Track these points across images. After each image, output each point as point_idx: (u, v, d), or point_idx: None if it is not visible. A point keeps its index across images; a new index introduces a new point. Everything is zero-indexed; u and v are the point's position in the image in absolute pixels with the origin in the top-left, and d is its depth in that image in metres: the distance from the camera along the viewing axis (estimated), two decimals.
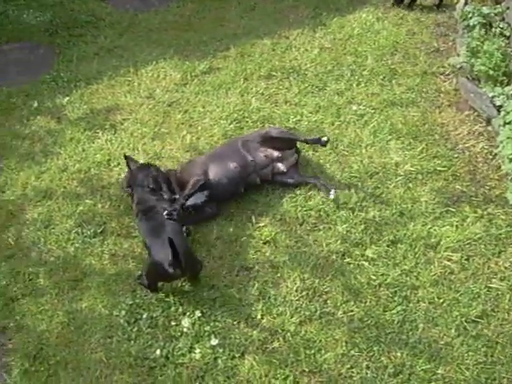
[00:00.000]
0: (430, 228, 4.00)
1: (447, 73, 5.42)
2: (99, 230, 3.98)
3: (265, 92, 5.10)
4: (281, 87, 5.20)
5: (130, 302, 3.57)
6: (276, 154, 4.21)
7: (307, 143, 4.30)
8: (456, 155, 4.54)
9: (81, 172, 4.40)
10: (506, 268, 3.75)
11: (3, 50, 5.83)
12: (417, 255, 3.85)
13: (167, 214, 3.56)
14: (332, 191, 4.09)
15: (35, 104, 5.07)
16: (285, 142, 4.24)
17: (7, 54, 5.77)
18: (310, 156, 4.50)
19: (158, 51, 5.65)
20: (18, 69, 5.58)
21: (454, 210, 4.12)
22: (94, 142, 4.65)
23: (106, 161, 4.47)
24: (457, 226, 4.01)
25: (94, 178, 4.34)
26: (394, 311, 3.55)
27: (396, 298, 3.62)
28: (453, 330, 3.46)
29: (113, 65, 5.52)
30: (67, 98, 5.13)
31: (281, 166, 4.21)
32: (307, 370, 3.30)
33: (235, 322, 3.48)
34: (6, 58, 5.73)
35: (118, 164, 4.44)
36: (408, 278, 3.72)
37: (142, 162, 4.15)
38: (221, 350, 3.36)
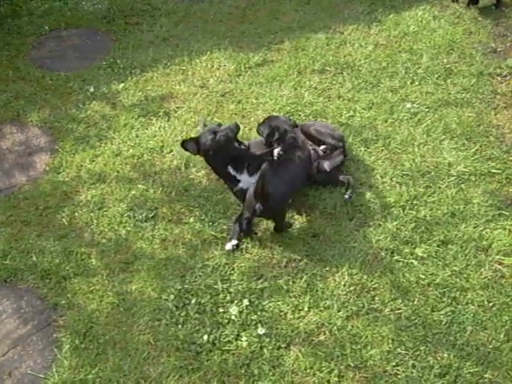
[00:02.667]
0: (482, 230, 3.94)
1: (504, 74, 5.32)
2: (150, 215, 4.03)
3: (318, 86, 5.09)
4: (334, 82, 5.18)
5: (179, 287, 3.61)
6: (321, 151, 4.21)
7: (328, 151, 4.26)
8: (511, 158, 4.46)
9: (134, 157, 4.46)
10: None
11: (62, 35, 5.94)
12: (467, 257, 3.80)
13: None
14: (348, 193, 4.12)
15: (91, 89, 5.16)
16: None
17: (66, 40, 5.88)
18: (362, 152, 4.47)
19: (213, 42, 5.69)
20: (75, 54, 5.68)
21: (507, 213, 4.04)
22: (147, 129, 4.72)
23: (159, 147, 4.53)
24: (509, 229, 3.94)
25: (147, 164, 4.40)
26: (442, 312, 3.51)
27: (445, 299, 3.58)
28: (502, 335, 3.40)
29: (168, 53, 5.58)
30: (122, 85, 5.20)
31: (325, 165, 4.19)
32: (352, 364, 3.29)
33: (282, 313, 3.49)
34: (64, 43, 5.83)
35: (171, 151, 4.49)
36: (458, 280, 3.67)
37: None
38: (267, 340, 3.37)
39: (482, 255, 3.82)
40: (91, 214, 4.07)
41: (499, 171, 4.35)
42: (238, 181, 3.92)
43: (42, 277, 3.73)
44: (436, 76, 5.31)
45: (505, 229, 3.95)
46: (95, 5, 6.36)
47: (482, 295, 3.59)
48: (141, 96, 5.05)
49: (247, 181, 3.88)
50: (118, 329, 3.46)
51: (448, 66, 5.46)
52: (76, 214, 4.09)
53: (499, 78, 5.31)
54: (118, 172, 4.35)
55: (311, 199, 4.12)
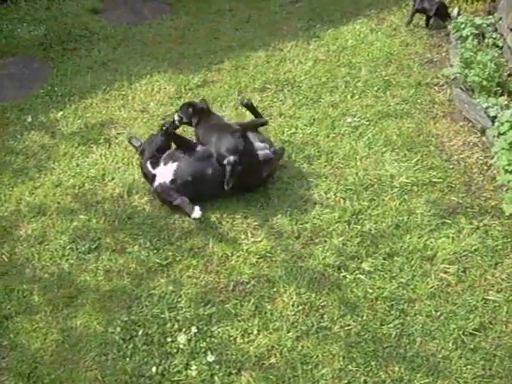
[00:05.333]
0: (426, 240, 3.99)
1: (441, 83, 5.45)
2: (93, 246, 3.95)
3: (259, 105, 5.09)
4: (275, 100, 5.20)
5: (125, 319, 3.53)
6: None
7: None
8: (451, 166, 4.54)
9: (75, 187, 4.37)
10: (502, 280, 3.73)
11: None
12: (413, 268, 3.83)
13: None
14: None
15: (29, 119, 5.06)
16: None
17: (1, 69, 5.76)
18: (305, 169, 4.49)
19: (152, 64, 5.65)
20: (12, 83, 5.57)
21: (449, 221, 4.11)
22: (88, 157, 4.64)
23: (100, 175, 4.45)
24: (453, 237, 3.99)
25: (89, 193, 4.32)
26: (391, 325, 3.52)
27: (393, 312, 3.59)
28: (450, 344, 3.43)
29: (107, 78, 5.52)
30: (61, 113, 5.12)
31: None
32: None
33: (231, 338, 3.45)
34: (0, 72, 5.70)
35: (113, 179, 4.42)
36: (405, 291, 3.69)
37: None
38: (217, 367, 3.31)
39: (427, 265, 3.86)
40: (32, 249, 3.96)
41: (440, 180, 4.42)
42: None
43: None
44: (375, 88, 5.39)
45: (448, 237, 4.00)
46: (31, 31, 6.25)
47: (429, 305, 3.62)
48: (80, 123, 4.98)
49: None
50: (64, 367, 3.35)
51: (386, 78, 5.55)
52: (16, 249, 3.98)
53: (436, 88, 5.43)
54: (58, 203, 4.25)
55: (256, 220, 4.10)
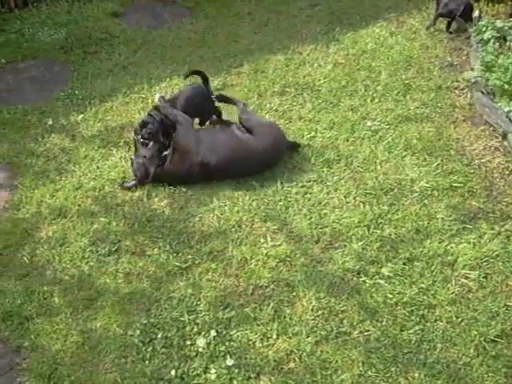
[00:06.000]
0: (447, 245, 3.95)
1: (462, 87, 5.40)
2: (113, 249, 3.96)
3: (279, 108, 5.10)
4: (295, 103, 5.20)
5: (145, 322, 3.54)
6: None
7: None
8: (472, 171, 4.50)
9: (95, 190, 4.40)
10: None
11: (19, 67, 5.88)
12: (434, 273, 3.80)
13: None
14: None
15: (50, 121, 5.09)
16: None
17: (23, 72, 5.82)
18: (325, 173, 4.48)
19: (172, 68, 5.67)
20: (33, 86, 5.62)
21: (470, 226, 4.07)
22: (108, 160, 4.66)
23: (120, 178, 4.47)
24: (474, 243, 3.95)
25: (109, 196, 4.34)
26: (412, 331, 3.49)
27: (413, 317, 3.56)
28: (472, 350, 3.39)
29: (127, 82, 5.55)
30: (81, 116, 5.15)
31: None
32: None
33: (250, 342, 3.44)
34: (21, 75, 5.77)
35: None
36: (425, 297, 3.66)
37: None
38: (236, 371, 3.31)
39: (448, 270, 3.82)
40: (53, 251, 3.98)
41: (461, 185, 4.38)
42: None
43: (3, 319, 3.61)
44: (395, 92, 5.36)
45: (469, 242, 3.96)
46: (52, 35, 6.31)
47: (450, 311, 3.59)
48: (100, 126, 5.00)
49: None
50: (84, 369, 3.37)
51: (406, 81, 5.52)
52: (37, 251, 4.00)
53: (457, 92, 5.39)
54: (79, 206, 4.28)
55: (276, 224, 4.09)
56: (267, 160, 4.49)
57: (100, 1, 6.89)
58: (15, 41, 6.22)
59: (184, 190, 4.35)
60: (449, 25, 6.28)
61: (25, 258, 3.96)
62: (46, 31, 6.36)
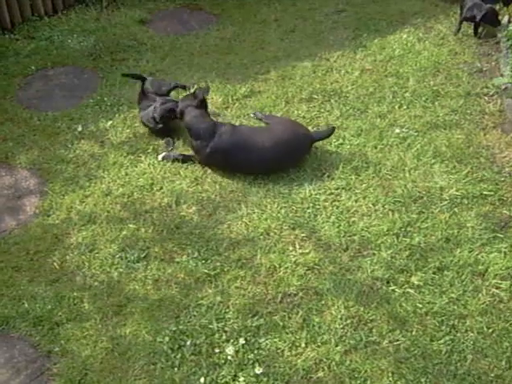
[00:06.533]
0: (478, 254, 3.91)
1: (491, 93, 5.35)
2: (142, 255, 3.99)
3: (306, 115, 5.09)
4: (322, 110, 5.18)
5: (174, 329, 3.55)
6: None
7: None
8: (502, 179, 4.46)
9: (124, 196, 4.43)
10: None
11: (49, 74, 5.93)
12: (464, 283, 3.76)
13: None
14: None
15: (79, 128, 5.14)
16: None
17: (52, 79, 5.87)
18: (353, 180, 4.46)
19: (200, 75, 5.69)
20: (62, 93, 5.67)
21: (501, 235, 4.03)
22: (136, 166, 4.69)
23: (148, 185, 4.50)
24: (505, 252, 3.91)
25: (137, 202, 4.37)
26: (442, 341, 3.46)
27: (443, 328, 3.53)
28: (503, 362, 3.35)
29: None
30: (110, 122, 5.18)
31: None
32: None
33: (279, 351, 3.44)
34: (51, 82, 5.82)
35: (161, 188, 4.46)
36: (455, 307, 3.63)
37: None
38: (265, 379, 3.31)
39: (478, 280, 3.78)
40: (82, 257, 4.02)
41: (491, 193, 4.33)
42: None
43: (34, 324, 3.65)
44: (423, 99, 5.33)
45: (500, 252, 3.92)
46: (81, 42, 6.36)
47: (480, 322, 3.55)
48: (129, 133, 5.04)
49: None
50: (113, 375, 3.39)
51: (435, 87, 5.48)
52: (67, 257, 4.04)
53: (486, 98, 5.34)
54: (108, 212, 4.31)
55: (304, 231, 4.09)
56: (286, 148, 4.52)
57: (128, 8, 6.94)
58: (45, 48, 6.28)
59: (212, 196, 4.37)
60: (476, 30, 6.22)
61: (55, 264, 4.00)
62: (75, 38, 6.41)
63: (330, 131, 4.72)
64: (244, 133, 4.61)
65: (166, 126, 4.89)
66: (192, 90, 4.74)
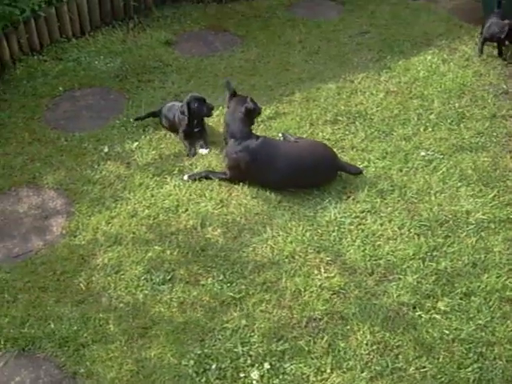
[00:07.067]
0: (505, 280, 3.87)
1: None
2: (168, 277, 4.00)
3: (331, 137, 5.10)
4: (347, 132, 5.19)
5: (199, 352, 3.55)
6: None
7: None
8: None
9: (150, 218, 4.46)
10: None
11: (76, 95, 6.02)
12: (492, 309, 3.72)
13: None
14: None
15: (106, 149, 5.19)
16: None
17: (79, 100, 5.95)
18: (378, 204, 4.44)
19: (224, 96, 5.71)
20: (89, 114, 5.74)
21: None
22: (162, 188, 4.72)
23: (174, 207, 4.52)
24: None
25: (163, 224, 4.39)
26: (470, 369, 3.41)
27: (471, 355, 3.48)
28: None
29: None
30: (136, 143, 5.23)
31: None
32: None
33: (304, 376, 3.41)
34: (78, 103, 5.90)
35: (186, 210, 4.48)
36: (483, 334, 3.58)
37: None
38: None
39: (506, 306, 3.74)
40: (108, 278, 4.04)
41: None
42: None
43: (60, 345, 3.67)
44: (449, 121, 5.31)
45: None
46: (108, 64, 6.46)
47: (509, 349, 3.51)
48: (155, 154, 5.08)
49: None
50: None
51: (460, 110, 5.46)
52: (93, 278, 4.07)
53: None
54: (134, 233, 4.34)
55: (329, 255, 4.07)
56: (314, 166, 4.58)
57: (153, 30, 7.04)
58: (72, 69, 6.38)
59: (238, 219, 4.38)
60: (500, 50, 6.20)
61: (81, 285, 4.03)
62: (101, 60, 6.51)
63: (358, 170, 4.71)
64: (275, 144, 4.72)
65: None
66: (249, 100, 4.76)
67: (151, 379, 3.46)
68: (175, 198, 4.60)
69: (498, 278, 3.89)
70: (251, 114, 4.75)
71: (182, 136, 5.18)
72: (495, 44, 6.25)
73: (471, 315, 3.69)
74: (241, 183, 4.66)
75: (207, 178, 4.74)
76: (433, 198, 4.49)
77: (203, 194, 4.61)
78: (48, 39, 6.66)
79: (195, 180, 4.73)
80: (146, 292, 3.93)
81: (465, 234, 4.21)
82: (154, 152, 5.12)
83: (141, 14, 7.32)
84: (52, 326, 3.77)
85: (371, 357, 3.49)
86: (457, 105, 5.54)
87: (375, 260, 4.03)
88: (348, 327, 3.64)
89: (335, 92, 5.73)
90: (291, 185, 4.60)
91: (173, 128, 5.29)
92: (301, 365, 3.46)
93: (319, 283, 3.89)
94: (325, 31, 6.99)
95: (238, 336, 3.62)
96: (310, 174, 4.58)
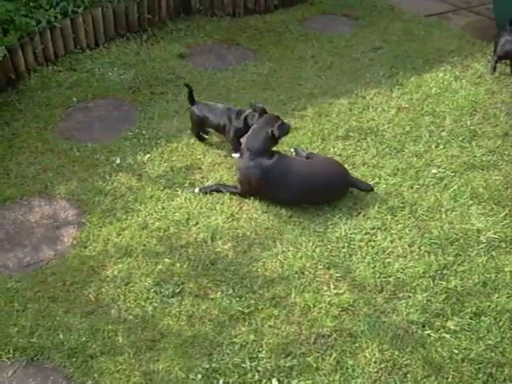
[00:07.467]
0: None
1: None
2: (177, 290, 4.00)
3: (342, 153, 5.11)
4: (358, 148, 5.20)
5: (207, 366, 3.54)
6: None
7: None
8: None
9: (160, 230, 4.47)
10: None
11: (89, 106, 6.07)
12: (502, 329, 3.69)
13: None
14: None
15: (118, 160, 5.22)
16: None
17: (92, 111, 6.00)
18: (389, 220, 4.44)
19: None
20: (102, 125, 5.79)
21: None
22: (173, 200, 4.74)
23: (184, 219, 4.54)
24: None
25: (173, 237, 4.40)
26: None
27: (480, 375, 3.46)
28: None
29: None
30: (148, 156, 5.26)
31: None
32: None
33: None
34: (91, 114, 5.95)
35: (197, 223, 4.49)
36: (493, 354, 3.56)
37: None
38: None
39: None
40: (118, 290, 4.05)
41: None
42: None
43: (68, 355, 3.68)
44: (460, 139, 5.31)
45: None
46: (121, 75, 6.52)
47: None
48: (166, 167, 5.11)
49: None
50: None
51: (472, 127, 5.46)
52: (103, 289, 4.08)
53: None
54: (144, 246, 4.35)
55: (339, 271, 4.07)
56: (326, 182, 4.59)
57: (167, 42, 7.11)
58: (86, 80, 6.45)
59: (248, 233, 4.38)
60: None
61: (91, 296, 4.04)
62: (115, 71, 6.57)
63: (369, 187, 4.69)
64: (288, 162, 4.67)
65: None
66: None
67: None
68: (186, 211, 4.61)
69: (508, 297, 3.87)
70: (274, 139, 4.67)
71: (233, 136, 5.14)
72: (508, 62, 6.26)
73: (481, 335, 3.66)
74: (252, 197, 4.67)
75: (218, 191, 4.76)
76: (443, 215, 4.48)
77: (214, 207, 4.62)
78: (63, 50, 6.75)
79: (206, 193, 4.75)
80: (155, 304, 3.94)
81: (475, 252, 4.19)
82: (165, 164, 5.14)
83: (155, 27, 7.41)
84: (61, 336, 3.78)
85: (379, 375, 3.48)
86: (469, 122, 5.54)
87: (385, 277, 4.02)
88: (357, 344, 3.63)
89: (347, 108, 5.75)
90: (303, 202, 4.60)
91: (218, 129, 5.29)
92: (308, 381, 3.45)
93: (328, 299, 3.88)
94: (337, 46, 7.03)
95: (246, 351, 3.61)
96: (322, 192, 4.59)
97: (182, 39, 7.24)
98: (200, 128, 5.36)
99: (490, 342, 3.62)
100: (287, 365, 3.53)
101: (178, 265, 4.18)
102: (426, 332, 3.69)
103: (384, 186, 4.76)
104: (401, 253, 4.20)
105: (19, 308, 3.94)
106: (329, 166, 4.70)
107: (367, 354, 3.57)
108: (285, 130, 4.75)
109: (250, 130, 4.75)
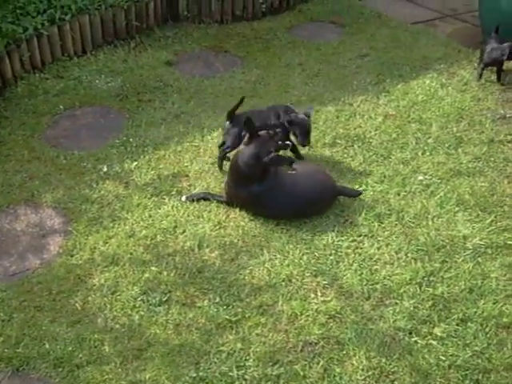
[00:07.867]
0: (502, 306, 3.86)
1: None
2: (164, 299, 3.98)
3: (329, 160, 5.12)
4: (345, 155, 5.21)
5: (194, 375, 3.52)
6: None
7: None
8: None
9: (147, 238, 4.45)
10: None
11: (76, 114, 6.04)
12: (488, 335, 3.71)
13: None
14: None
15: (104, 168, 5.20)
16: None
17: (80, 119, 5.97)
18: (376, 228, 4.45)
19: (224, 117, 5.74)
20: (89, 133, 5.76)
21: None
22: (160, 208, 4.72)
23: (172, 228, 4.52)
24: None
25: (160, 245, 4.39)
26: None
27: (467, 382, 3.46)
28: None
29: (179, 130, 5.64)
30: (135, 163, 5.24)
31: None
32: None
33: None
34: (78, 122, 5.92)
35: (184, 231, 4.48)
36: (479, 361, 3.57)
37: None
38: None
39: (503, 333, 3.73)
40: (104, 299, 4.03)
41: None
42: None
43: (54, 365, 3.64)
44: (447, 145, 5.34)
45: None
46: (109, 83, 6.50)
47: (506, 377, 3.48)
48: (153, 175, 5.09)
49: None
50: None
51: (458, 134, 5.51)
52: (89, 298, 4.05)
53: (510, 145, 5.38)
54: (131, 254, 4.33)
55: (326, 279, 4.07)
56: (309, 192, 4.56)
57: (155, 50, 7.11)
58: (73, 88, 6.42)
59: (235, 241, 4.38)
60: (499, 75, 6.25)
61: (77, 305, 4.01)
62: (102, 79, 6.55)
63: (356, 193, 4.71)
64: (280, 184, 4.56)
65: None
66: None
67: None
68: (173, 219, 4.60)
69: (494, 304, 3.88)
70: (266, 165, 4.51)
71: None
72: (493, 69, 6.31)
73: (467, 341, 3.67)
74: None
75: (205, 199, 4.75)
76: (430, 222, 4.50)
77: (201, 215, 4.62)
78: (50, 57, 6.72)
79: (193, 201, 4.75)
80: (142, 313, 3.91)
81: (462, 259, 4.21)
82: (152, 172, 5.12)
83: (142, 34, 7.40)
84: (47, 346, 3.74)
85: (367, 382, 3.47)
86: (455, 129, 5.57)
87: (372, 284, 4.03)
88: (344, 352, 3.63)
89: (334, 115, 5.76)
90: (291, 218, 4.57)
91: None
92: None
93: (316, 307, 3.88)
94: (325, 54, 7.06)
95: (234, 359, 3.60)
96: (311, 206, 4.57)
97: (170, 46, 7.25)
98: None
99: (476, 348, 3.63)
100: (274, 373, 3.52)
101: (164, 273, 4.16)
102: (413, 339, 3.70)
103: (371, 193, 4.78)
104: (388, 260, 4.21)
105: (5, 318, 3.90)
106: (317, 182, 4.64)
107: (354, 362, 3.57)
108: (280, 162, 4.65)
109: (242, 156, 4.57)
